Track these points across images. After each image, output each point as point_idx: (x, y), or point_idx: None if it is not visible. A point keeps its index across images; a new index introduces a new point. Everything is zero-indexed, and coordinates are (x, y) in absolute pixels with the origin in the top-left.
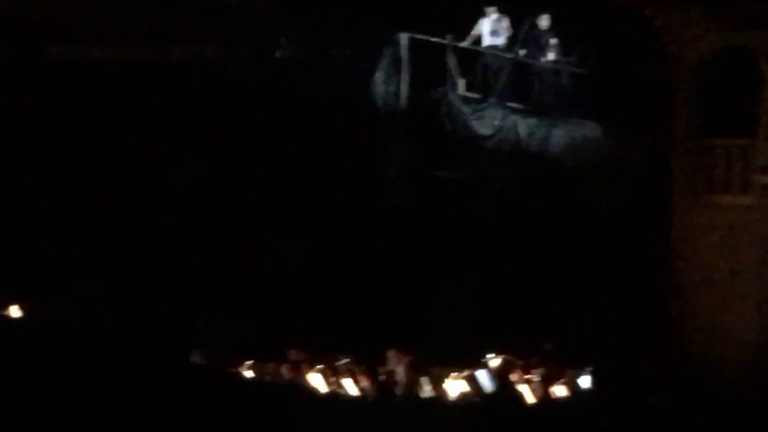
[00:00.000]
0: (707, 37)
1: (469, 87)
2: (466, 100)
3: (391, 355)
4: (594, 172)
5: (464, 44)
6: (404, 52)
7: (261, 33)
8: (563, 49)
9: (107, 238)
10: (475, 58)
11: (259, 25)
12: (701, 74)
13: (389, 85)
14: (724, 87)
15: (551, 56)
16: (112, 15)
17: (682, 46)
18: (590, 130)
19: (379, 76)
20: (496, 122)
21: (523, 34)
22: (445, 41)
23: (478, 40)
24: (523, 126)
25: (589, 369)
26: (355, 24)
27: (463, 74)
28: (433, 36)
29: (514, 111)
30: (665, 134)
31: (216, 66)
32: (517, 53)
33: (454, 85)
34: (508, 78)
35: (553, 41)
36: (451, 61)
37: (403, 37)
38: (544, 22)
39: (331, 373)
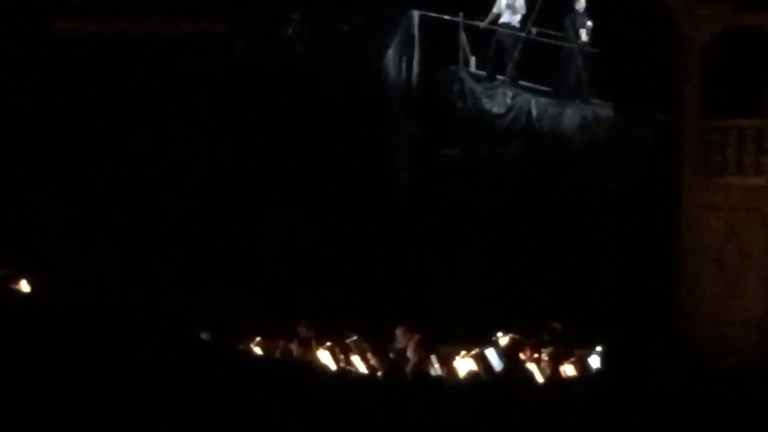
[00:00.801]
0: (719, 16)
1: (481, 65)
2: (477, 78)
3: (401, 332)
4: (604, 152)
5: (483, 24)
6: (416, 30)
7: (272, 9)
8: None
9: (115, 215)
10: (487, 35)
11: (269, 2)
12: (713, 54)
13: (401, 62)
14: (737, 67)
15: (585, 38)
16: None
17: (694, 25)
18: (601, 109)
19: (390, 54)
20: (508, 101)
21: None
22: (457, 19)
23: (496, 19)
24: (535, 105)
25: (598, 348)
26: (366, 1)
27: (475, 52)
28: (445, 13)
29: (526, 89)
30: (676, 115)
31: (226, 43)
32: (531, 31)
33: (466, 63)
34: (521, 56)
35: (589, 23)
36: (463, 38)
37: (415, 15)
38: (581, 4)
39: (340, 351)
